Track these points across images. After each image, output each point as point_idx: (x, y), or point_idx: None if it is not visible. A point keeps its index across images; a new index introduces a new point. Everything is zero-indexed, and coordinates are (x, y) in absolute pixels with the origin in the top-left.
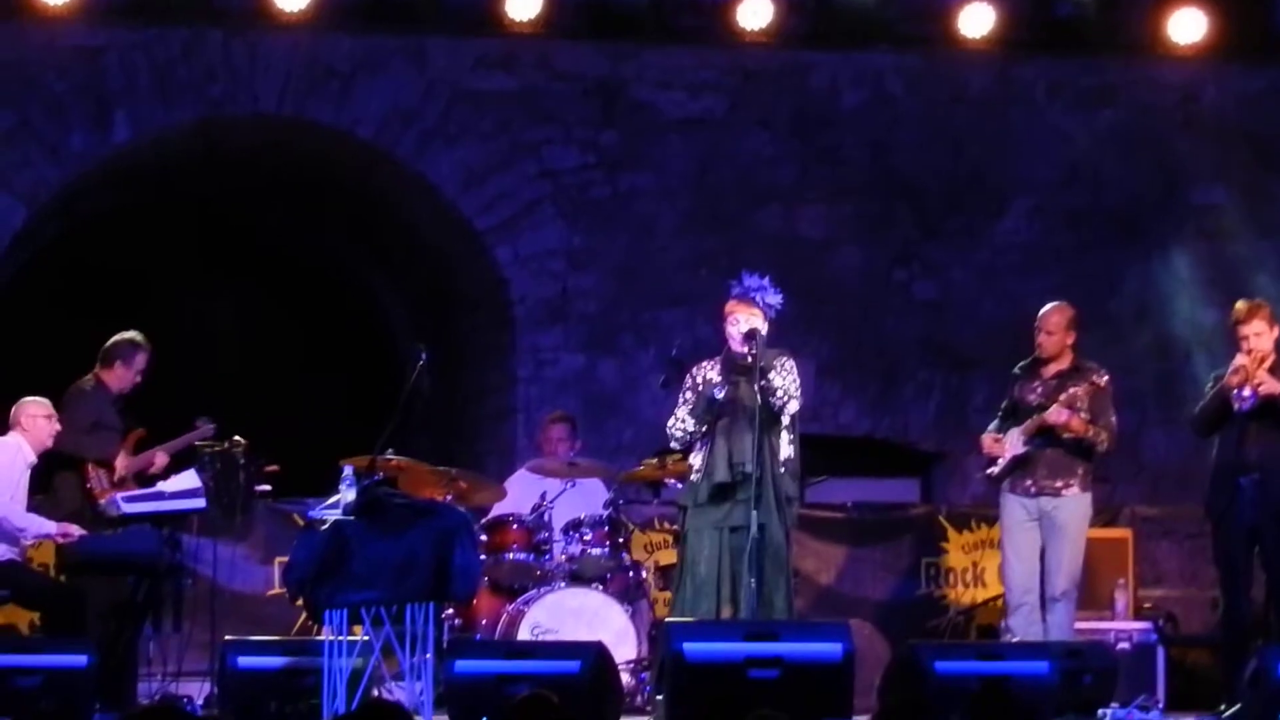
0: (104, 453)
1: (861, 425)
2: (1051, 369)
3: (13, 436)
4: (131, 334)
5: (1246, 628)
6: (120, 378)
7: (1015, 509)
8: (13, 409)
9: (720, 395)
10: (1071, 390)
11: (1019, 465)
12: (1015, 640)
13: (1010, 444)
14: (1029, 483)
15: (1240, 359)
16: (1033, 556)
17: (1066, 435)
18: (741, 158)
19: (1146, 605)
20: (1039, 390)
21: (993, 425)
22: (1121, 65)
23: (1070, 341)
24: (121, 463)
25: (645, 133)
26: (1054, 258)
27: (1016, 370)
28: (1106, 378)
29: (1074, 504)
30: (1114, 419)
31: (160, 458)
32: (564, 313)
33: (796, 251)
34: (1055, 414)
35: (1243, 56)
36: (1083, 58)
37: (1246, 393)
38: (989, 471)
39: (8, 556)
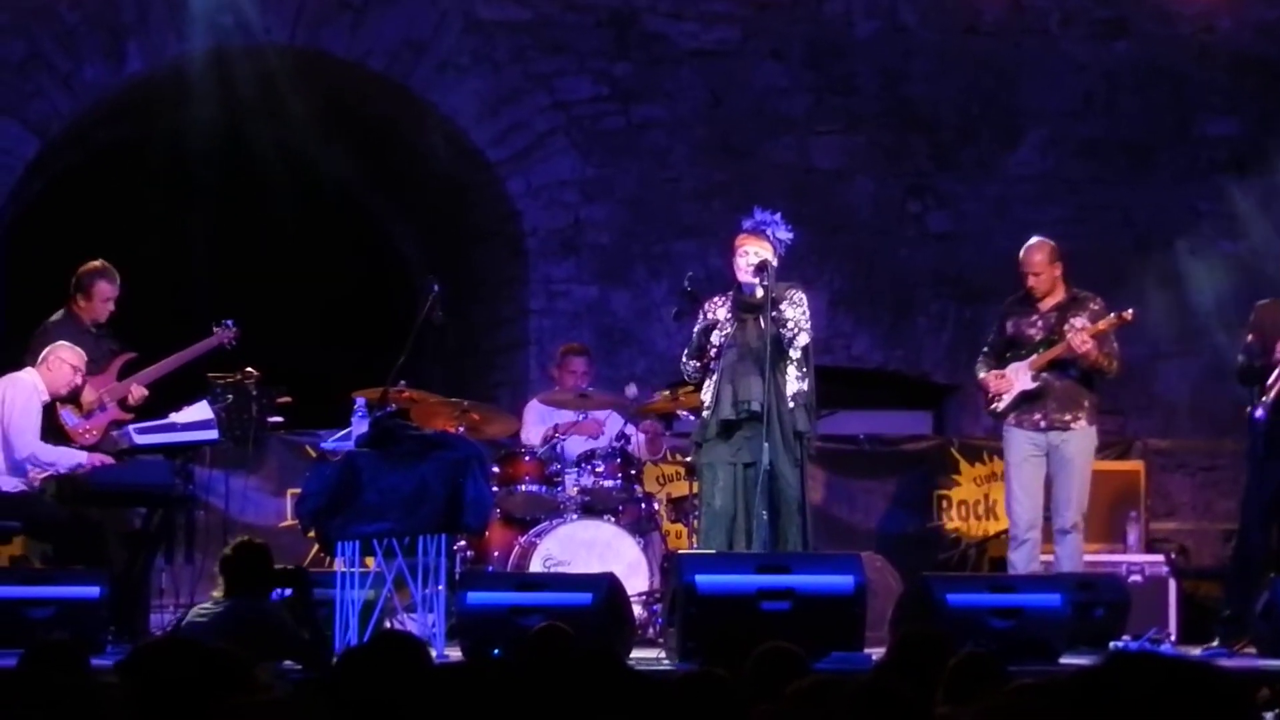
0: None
1: (874, 357)
2: (1048, 302)
3: (29, 374)
4: (93, 263)
5: (1259, 561)
6: (86, 309)
7: (1022, 443)
8: (49, 346)
9: (722, 333)
10: (1078, 321)
11: (1026, 400)
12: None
13: (1017, 378)
14: (1038, 417)
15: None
16: (1039, 491)
17: (1085, 364)
18: (754, 88)
19: (1158, 538)
20: (1039, 324)
21: (981, 360)
22: None
23: (1058, 274)
24: (89, 395)
25: (658, 64)
26: (1067, 189)
27: (1007, 305)
28: (1131, 310)
29: (1082, 437)
30: (1116, 345)
31: (136, 390)
32: (576, 244)
33: (809, 182)
34: (1080, 342)
35: None
36: None
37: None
38: (993, 407)
39: (19, 488)
